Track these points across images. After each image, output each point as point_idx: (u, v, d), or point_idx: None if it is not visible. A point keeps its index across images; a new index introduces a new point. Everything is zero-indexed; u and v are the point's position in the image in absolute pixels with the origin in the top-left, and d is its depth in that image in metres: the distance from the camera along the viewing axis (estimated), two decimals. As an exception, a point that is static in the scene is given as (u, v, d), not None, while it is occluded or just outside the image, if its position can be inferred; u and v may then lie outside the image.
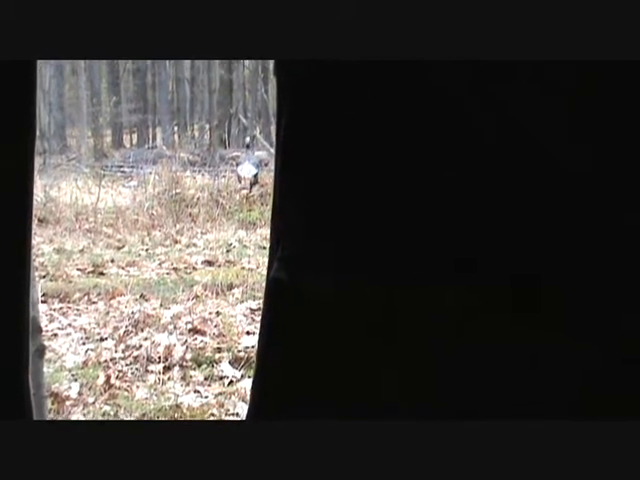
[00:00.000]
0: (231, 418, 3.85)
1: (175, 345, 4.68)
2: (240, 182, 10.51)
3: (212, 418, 3.84)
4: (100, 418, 3.82)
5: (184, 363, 4.50)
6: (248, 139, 12.69)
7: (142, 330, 4.98)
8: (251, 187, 10.34)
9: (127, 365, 4.49)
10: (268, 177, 10.73)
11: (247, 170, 10.62)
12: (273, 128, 18.53)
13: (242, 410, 3.92)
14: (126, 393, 4.14)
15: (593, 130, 1.17)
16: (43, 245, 7.61)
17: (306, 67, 1.25)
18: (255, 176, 10.54)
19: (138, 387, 4.22)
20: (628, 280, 1.19)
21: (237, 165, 11.11)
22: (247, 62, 20.18)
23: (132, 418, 3.80)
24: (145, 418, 3.82)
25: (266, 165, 11.37)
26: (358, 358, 1.28)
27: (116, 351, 4.68)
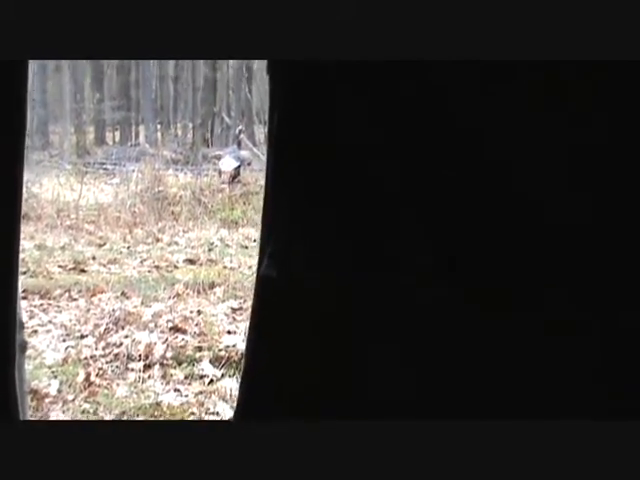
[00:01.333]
0: (211, 417, 3.85)
1: (156, 343, 4.67)
2: (220, 176, 10.48)
3: (192, 417, 3.84)
4: (79, 416, 3.81)
5: (164, 361, 4.49)
6: (238, 130, 12.57)
7: (123, 328, 4.96)
8: (232, 180, 10.30)
9: (107, 363, 4.48)
10: (250, 176, 10.71)
11: (228, 164, 10.57)
12: (256, 128, 18.50)
13: (222, 409, 3.92)
14: (106, 391, 4.13)
15: (592, 130, 1.18)
16: (24, 241, 7.56)
17: (300, 64, 1.25)
18: (236, 169, 10.50)
19: (118, 385, 4.21)
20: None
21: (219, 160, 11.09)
22: (231, 61, 20.14)
23: (112, 416, 3.80)
24: (125, 416, 3.82)
25: (249, 164, 11.35)
26: (347, 354, 1.29)
27: (96, 348, 4.66)
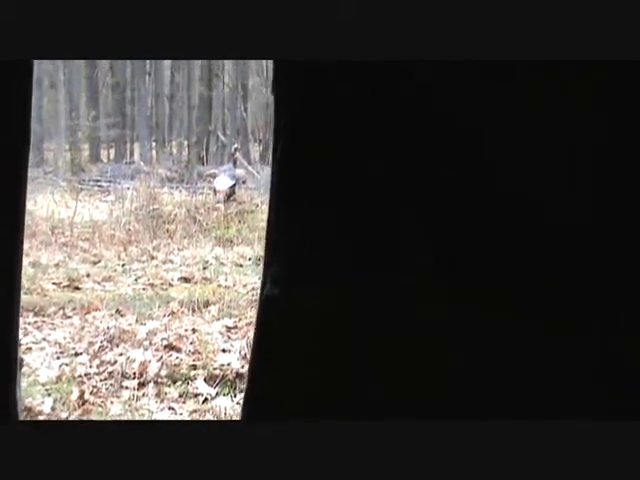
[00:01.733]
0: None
1: (150, 361, 4.66)
2: (215, 195, 10.45)
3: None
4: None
5: (159, 379, 4.48)
6: (234, 148, 12.55)
7: (117, 346, 4.95)
8: (228, 198, 10.28)
9: (101, 381, 4.46)
10: (246, 195, 10.71)
11: (223, 182, 10.55)
12: (251, 146, 18.51)
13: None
14: (100, 409, 4.11)
15: (592, 130, 1.18)
16: (18, 258, 7.52)
17: (305, 84, 1.25)
18: (232, 187, 10.48)
19: (112, 403, 4.20)
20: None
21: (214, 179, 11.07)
22: (227, 79, 20.17)
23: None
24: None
25: (244, 183, 11.35)
26: (349, 369, 1.28)
27: (91, 366, 4.65)
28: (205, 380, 4.49)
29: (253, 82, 20.23)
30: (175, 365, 4.67)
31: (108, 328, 5.22)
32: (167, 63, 21.05)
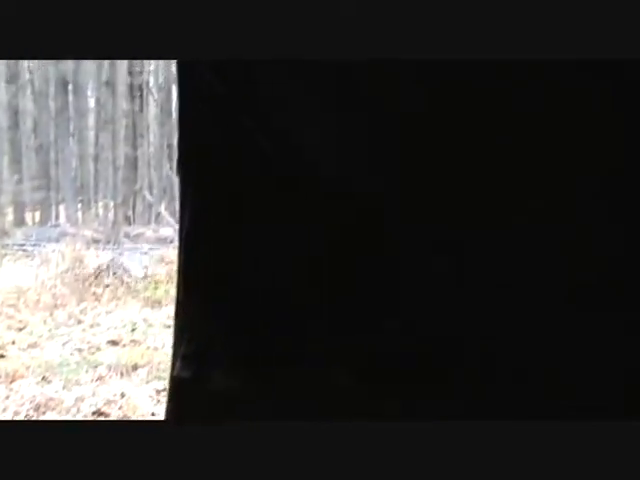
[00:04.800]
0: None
1: (78, 429, 4.56)
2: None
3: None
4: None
5: (87, 447, 4.38)
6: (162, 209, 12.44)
7: (44, 414, 4.85)
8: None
9: (28, 451, 4.34)
10: (174, 254, 10.65)
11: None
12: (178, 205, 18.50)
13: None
14: None
15: (591, 129, 1.18)
16: (-60, 327, 7.38)
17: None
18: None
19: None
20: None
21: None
22: (152, 139, 20.22)
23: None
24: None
25: (171, 242, 11.31)
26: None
27: (16, 437, 4.53)
28: (135, 445, 4.40)
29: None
30: (104, 431, 4.58)
31: (34, 396, 5.11)
32: (90, 124, 21.00)
